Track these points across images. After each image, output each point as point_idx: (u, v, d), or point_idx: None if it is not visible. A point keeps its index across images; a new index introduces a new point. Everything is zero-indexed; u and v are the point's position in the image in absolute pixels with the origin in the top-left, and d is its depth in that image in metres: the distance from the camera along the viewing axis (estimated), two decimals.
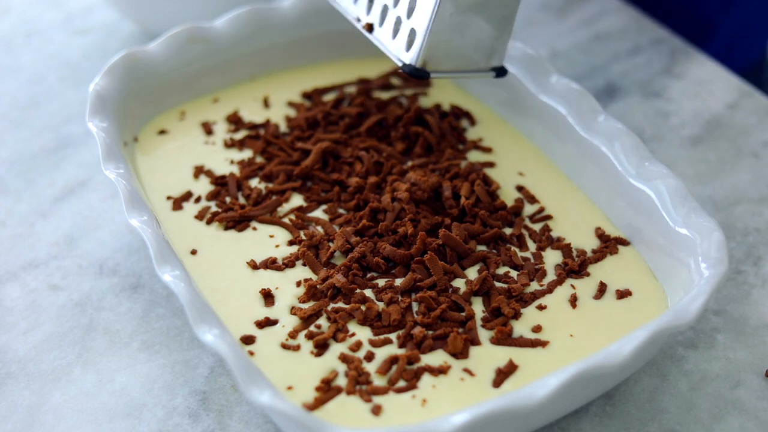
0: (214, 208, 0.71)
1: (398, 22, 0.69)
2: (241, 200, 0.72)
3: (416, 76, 0.68)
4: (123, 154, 0.71)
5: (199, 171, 0.74)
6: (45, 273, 0.73)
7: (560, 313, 0.64)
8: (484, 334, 0.62)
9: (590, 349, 0.61)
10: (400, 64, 0.68)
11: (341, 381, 0.59)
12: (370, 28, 0.71)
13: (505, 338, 0.62)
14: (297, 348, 0.61)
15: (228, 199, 0.72)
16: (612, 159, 0.69)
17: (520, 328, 0.62)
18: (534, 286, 0.65)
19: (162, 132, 0.78)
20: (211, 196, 0.72)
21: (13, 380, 0.65)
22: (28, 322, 0.69)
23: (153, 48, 0.78)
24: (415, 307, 0.63)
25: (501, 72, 0.71)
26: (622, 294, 0.65)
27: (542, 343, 0.61)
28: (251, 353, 0.61)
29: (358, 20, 0.72)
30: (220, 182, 0.73)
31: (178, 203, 0.72)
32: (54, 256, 0.74)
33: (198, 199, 0.72)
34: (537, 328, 0.62)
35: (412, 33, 0.68)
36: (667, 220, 0.65)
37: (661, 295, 0.64)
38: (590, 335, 0.62)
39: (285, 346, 0.61)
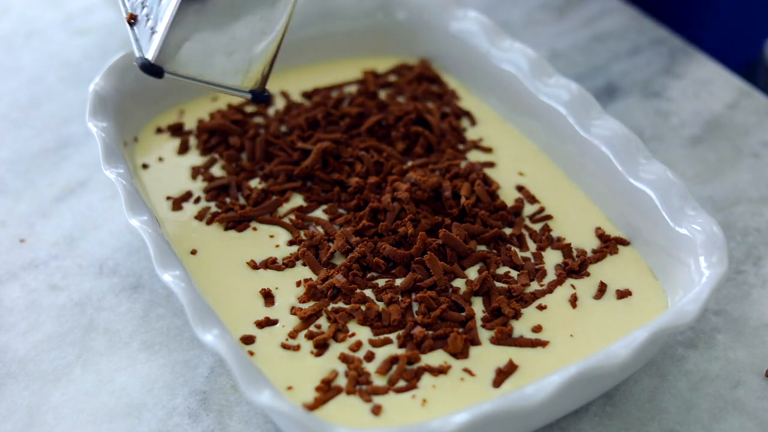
0: (214, 209, 0.71)
1: (153, 22, 0.65)
2: (241, 200, 0.72)
3: (149, 72, 0.64)
4: (123, 154, 0.71)
5: (197, 171, 0.74)
6: (45, 273, 0.73)
7: (560, 313, 0.64)
8: (484, 334, 0.62)
9: (590, 349, 0.61)
10: (137, 60, 0.64)
11: (341, 381, 0.59)
12: (132, 19, 0.67)
13: (505, 338, 0.62)
14: (297, 348, 0.61)
15: (228, 200, 0.72)
16: (612, 159, 0.69)
17: (520, 328, 0.62)
18: (534, 286, 0.65)
19: (161, 132, 0.78)
20: (211, 197, 0.72)
21: (13, 380, 0.65)
22: (28, 322, 0.69)
23: None
24: (415, 307, 0.63)
25: (261, 97, 0.67)
26: (622, 294, 0.65)
27: (542, 343, 0.61)
28: (251, 353, 0.61)
29: (125, 10, 0.68)
30: (220, 184, 0.73)
31: (177, 203, 0.72)
32: (54, 256, 0.74)
33: (198, 200, 0.72)
34: (537, 328, 0.62)
35: (155, 25, 0.64)
36: (667, 220, 0.65)
37: (661, 295, 0.64)
38: (590, 335, 0.62)
39: (285, 346, 0.61)
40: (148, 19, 0.65)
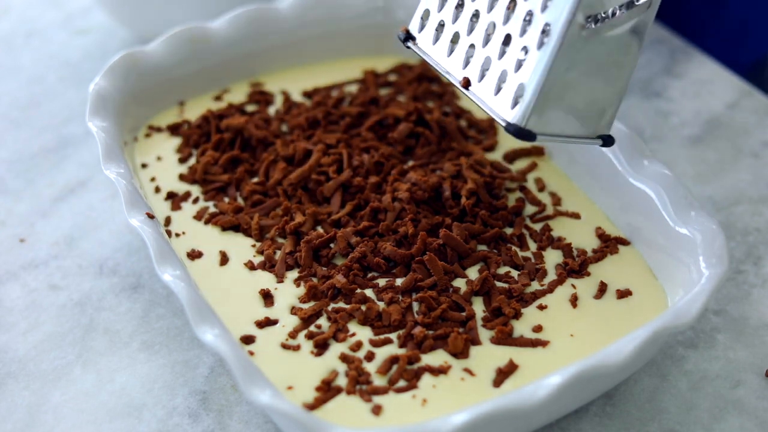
0: (212, 209, 0.71)
1: (503, 77, 0.61)
2: (240, 201, 0.72)
3: (521, 137, 0.59)
4: (123, 154, 0.71)
5: (195, 170, 0.74)
6: (45, 273, 0.73)
7: (561, 312, 0.64)
8: (484, 334, 0.62)
9: (590, 349, 0.61)
10: (503, 124, 0.60)
11: (341, 381, 0.59)
12: (467, 83, 0.62)
13: (505, 338, 0.62)
14: (297, 348, 0.61)
15: (226, 200, 0.72)
16: (612, 159, 0.69)
17: (521, 327, 0.62)
18: (534, 285, 0.65)
19: (161, 131, 0.78)
20: (210, 197, 0.72)
21: (13, 380, 0.65)
22: (28, 322, 0.69)
23: (153, 48, 0.78)
24: (415, 307, 0.63)
25: (608, 141, 0.64)
26: (623, 294, 0.65)
27: (542, 343, 0.61)
28: (251, 353, 0.61)
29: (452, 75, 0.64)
30: (219, 184, 0.73)
31: (177, 203, 0.72)
32: (54, 256, 0.74)
33: (196, 200, 0.72)
34: (537, 328, 0.62)
35: (520, 89, 0.59)
36: (667, 219, 0.65)
37: (661, 294, 0.64)
38: (590, 335, 0.62)
39: (285, 346, 0.61)
40: (500, 75, 0.61)
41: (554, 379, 0.54)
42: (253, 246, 0.68)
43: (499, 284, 0.65)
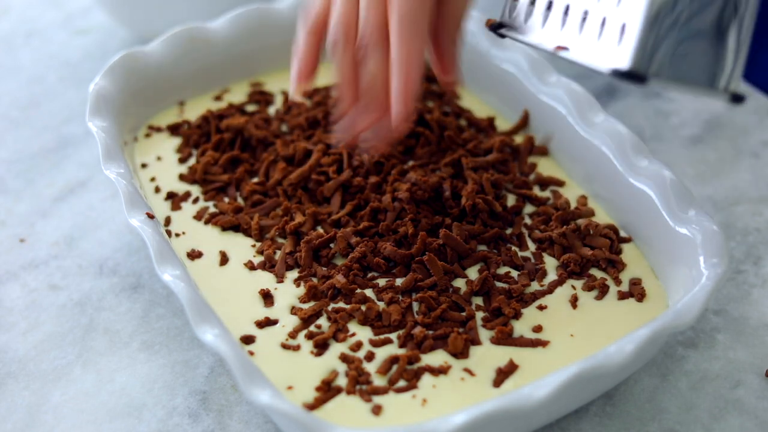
0: (212, 209, 0.71)
1: (603, 22, 0.56)
2: (240, 201, 0.72)
3: (632, 79, 0.54)
4: (123, 153, 0.71)
5: (195, 170, 0.74)
6: (45, 273, 0.73)
7: (561, 313, 0.63)
8: (484, 334, 0.62)
9: (590, 349, 0.61)
10: (607, 72, 0.55)
11: (341, 381, 0.59)
12: (561, 48, 0.58)
13: (505, 338, 0.62)
14: (297, 348, 0.61)
15: (226, 200, 0.72)
16: (612, 159, 0.69)
17: (521, 328, 0.62)
18: (534, 286, 0.65)
19: (161, 131, 0.78)
20: (210, 197, 0.72)
21: (13, 380, 0.65)
22: (28, 322, 0.69)
23: (153, 48, 0.78)
24: (415, 307, 0.63)
25: (738, 98, 0.56)
26: (623, 294, 0.65)
27: (542, 343, 0.61)
28: (251, 353, 0.61)
29: (551, 45, 0.59)
30: (219, 184, 0.73)
31: (177, 203, 0.72)
32: (54, 256, 0.74)
33: (196, 200, 0.72)
34: (537, 328, 0.62)
35: (624, 27, 0.54)
36: (667, 219, 0.65)
37: (662, 294, 0.64)
38: (590, 335, 0.62)
39: (285, 346, 0.61)
40: (597, 23, 0.56)
41: (554, 379, 0.54)
42: (253, 246, 0.68)
43: (499, 284, 0.65)
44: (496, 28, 0.63)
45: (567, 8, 0.58)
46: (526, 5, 0.61)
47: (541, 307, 0.64)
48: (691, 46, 0.54)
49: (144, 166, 0.75)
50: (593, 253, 0.66)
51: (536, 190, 0.72)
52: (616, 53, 0.54)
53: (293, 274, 0.66)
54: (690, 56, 0.55)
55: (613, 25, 0.55)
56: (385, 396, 0.58)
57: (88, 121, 0.71)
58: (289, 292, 0.65)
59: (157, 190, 0.73)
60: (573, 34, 0.58)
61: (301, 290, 0.65)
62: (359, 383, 0.59)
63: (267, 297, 0.65)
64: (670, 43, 0.54)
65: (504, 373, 0.60)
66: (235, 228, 0.70)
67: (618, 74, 0.54)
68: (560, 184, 0.73)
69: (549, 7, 0.60)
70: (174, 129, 0.78)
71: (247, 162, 0.75)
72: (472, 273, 0.66)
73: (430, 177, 0.71)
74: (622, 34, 0.54)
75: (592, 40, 0.56)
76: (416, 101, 0.63)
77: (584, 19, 0.57)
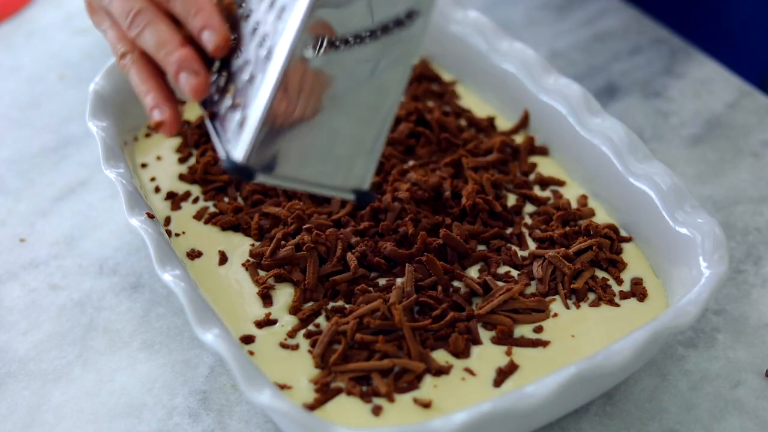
0: (212, 209, 0.71)
1: (233, 107, 0.57)
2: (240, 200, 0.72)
3: (238, 175, 0.54)
4: (123, 153, 0.71)
5: (195, 170, 0.74)
6: (45, 273, 0.73)
7: (561, 312, 0.63)
8: (484, 334, 0.62)
9: (590, 349, 0.61)
10: (221, 159, 0.55)
11: (341, 381, 0.59)
12: (212, 115, 0.58)
13: (505, 338, 0.62)
14: (296, 347, 0.61)
15: (226, 199, 0.72)
16: (612, 158, 0.69)
17: (521, 328, 0.62)
18: (535, 285, 0.65)
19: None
20: (210, 197, 0.72)
21: (13, 380, 0.65)
22: (28, 322, 0.69)
23: None
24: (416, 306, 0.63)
25: (365, 197, 0.57)
26: (623, 294, 0.65)
27: (543, 343, 0.61)
28: (251, 353, 0.61)
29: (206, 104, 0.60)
30: (219, 184, 0.73)
31: (176, 203, 0.72)
32: (54, 256, 0.74)
33: (196, 199, 0.72)
34: (538, 328, 0.62)
35: (244, 121, 0.55)
36: (667, 219, 0.65)
37: (662, 294, 0.64)
38: (590, 335, 0.62)
39: (284, 346, 0.61)
40: (233, 106, 0.56)
41: (554, 379, 0.54)
42: (253, 246, 0.68)
43: (499, 284, 0.65)
44: (236, 170, 0.57)
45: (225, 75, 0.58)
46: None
47: None
48: (315, 150, 0.55)
49: (144, 165, 0.75)
50: (594, 253, 0.66)
51: (536, 190, 0.72)
52: (234, 145, 0.55)
53: (293, 274, 0.66)
54: (313, 158, 0.55)
55: (236, 118, 0.56)
56: (386, 396, 0.58)
57: (88, 121, 0.71)
58: (288, 292, 0.65)
59: (157, 190, 0.73)
60: (220, 107, 0.58)
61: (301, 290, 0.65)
62: (359, 383, 0.59)
63: (266, 297, 0.65)
64: (290, 145, 0.54)
65: (504, 373, 0.60)
66: (235, 228, 0.70)
67: (230, 168, 0.54)
68: (560, 183, 0.73)
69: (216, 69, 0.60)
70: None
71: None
72: (472, 273, 0.66)
73: (430, 177, 0.71)
74: (240, 126, 0.55)
75: (224, 122, 0.57)
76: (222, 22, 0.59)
77: (223, 95, 0.58)
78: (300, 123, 0.54)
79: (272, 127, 0.54)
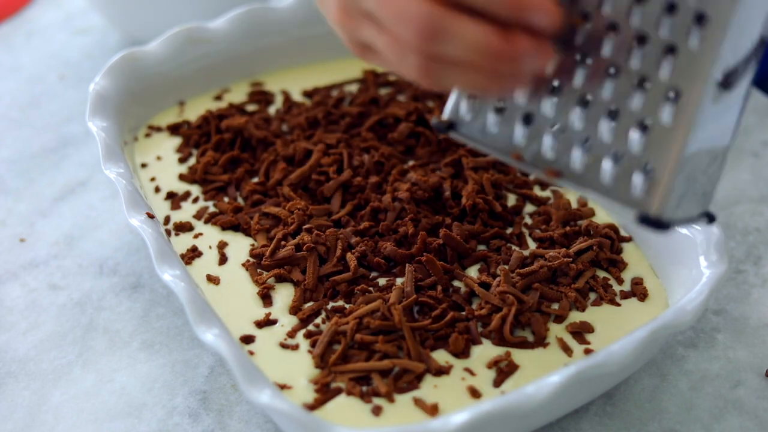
0: (212, 209, 0.71)
1: (620, 160, 0.51)
2: (240, 200, 0.72)
3: (659, 228, 0.50)
4: (123, 153, 0.71)
5: (195, 170, 0.74)
6: (45, 273, 0.73)
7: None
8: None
9: (590, 349, 0.61)
10: (636, 216, 0.51)
11: (341, 381, 0.59)
12: (557, 173, 0.53)
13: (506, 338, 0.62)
14: (296, 347, 0.61)
15: (226, 199, 0.72)
16: None
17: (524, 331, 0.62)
18: None
19: (161, 131, 0.78)
20: (210, 197, 0.72)
21: (13, 380, 0.65)
22: (28, 322, 0.69)
23: (153, 48, 0.78)
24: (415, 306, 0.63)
25: (711, 218, 0.54)
26: (624, 293, 0.65)
27: (543, 344, 0.61)
28: (251, 353, 0.61)
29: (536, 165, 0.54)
30: (219, 184, 0.73)
31: (177, 203, 0.72)
32: (54, 256, 0.74)
33: (196, 199, 0.72)
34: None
35: (651, 172, 0.50)
36: None
37: (662, 294, 0.64)
38: (590, 335, 0.62)
39: (284, 346, 0.61)
40: (617, 157, 0.51)
41: (554, 379, 0.54)
42: (253, 246, 0.68)
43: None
44: (446, 128, 0.55)
45: (553, 126, 0.53)
46: (492, 113, 0.54)
47: None
48: (696, 186, 0.52)
49: (144, 165, 0.75)
50: (594, 253, 0.66)
51: (536, 190, 0.72)
52: (642, 198, 0.50)
53: (293, 274, 0.66)
54: (694, 194, 0.52)
55: (634, 169, 0.50)
56: (386, 396, 0.58)
57: (88, 121, 0.71)
58: (287, 292, 0.65)
59: (157, 190, 0.73)
60: (566, 159, 0.52)
61: (301, 290, 0.65)
62: (359, 383, 0.59)
63: (266, 297, 0.65)
64: (688, 188, 0.51)
65: (504, 373, 0.60)
66: (235, 228, 0.70)
67: (647, 222, 0.50)
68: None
69: (527, 120, 0.53)
70: (174, 129, 0.78)
71: (247, 162, 0.75)
72: (472, 273, 0.66)
73: (430, 177, 0.71)
74: (647, 179, 0.50)
75: (604, 176, 0.51)
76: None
77: (584, 143, 0.52)
78: (695, 163, 0.50)
79: (683, 173, 0.50)
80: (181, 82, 0.80)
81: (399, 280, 0.65)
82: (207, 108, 0.79)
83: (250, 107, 0.80)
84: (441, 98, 0.81)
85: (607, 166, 0.51)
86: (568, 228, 0.68)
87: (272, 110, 0.80)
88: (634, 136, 0.50)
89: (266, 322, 0.63)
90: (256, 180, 0.73)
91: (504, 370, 0.60)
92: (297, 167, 0.73)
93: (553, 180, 0.53)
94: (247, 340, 0.62)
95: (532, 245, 0.68)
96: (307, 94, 0.82)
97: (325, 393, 0.58)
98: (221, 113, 0.78)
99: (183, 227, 0.69)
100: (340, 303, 0.64)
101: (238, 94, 0.81)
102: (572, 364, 0.55)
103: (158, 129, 0.78)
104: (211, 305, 0.61)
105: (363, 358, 0.60)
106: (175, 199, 0.72)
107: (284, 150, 0.74)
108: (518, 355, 0.61)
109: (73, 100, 0.89)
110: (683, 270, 0.63)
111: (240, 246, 0.68)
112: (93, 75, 0.76)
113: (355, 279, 0.65)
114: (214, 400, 0.63)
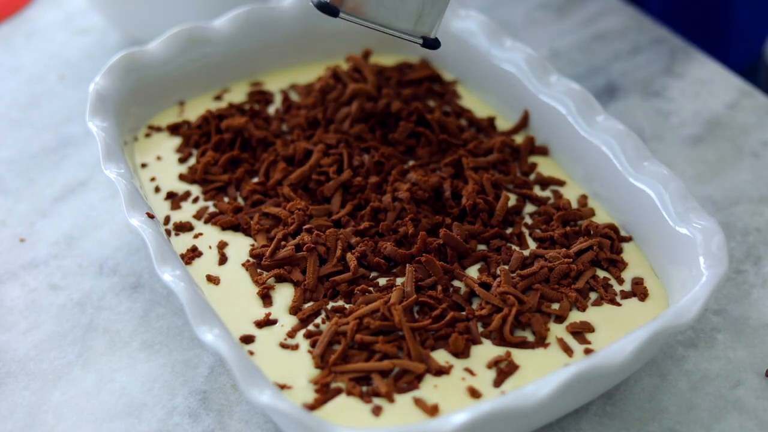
0: (212, 209, 0.71)
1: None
2: (240, 200, 0.72)
3: (324, 10, 0.63)
4: (123, 153, 0.71)
5: (195, 170, 0.74)
6: (45, 273, 0.73)
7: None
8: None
9: (590, 349, 0.61)
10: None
11: (341, 381, 0.59)
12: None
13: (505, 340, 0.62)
14: (296, 347, 0.61)
15: (226, 199, 0.72)
16: (612, 159, 0.69)
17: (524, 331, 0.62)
18: None
19: (161, 131, 0.78)
20: (210, 197, 0.72)
21: (13, 380, 0.65)
22: (28, 322, 0.69)
23: (153, 48, 0.78)
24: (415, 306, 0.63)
25: (431, 44, 0.66)
26: (624, 294, 0.65)
27: (543, 344, 0.61)
28: (251, 353, 0.61)
29: None
30: (219, 184, 0.73)
31: (177, 203, 0.72)
32: (54, 256, 0.74)
33: (196, 199, 0.72)
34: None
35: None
36: (667, 219, 0.65)
37: (662, 294, 0.64)
38: (591, 335, 0.62)
39: (284, 346, 0.61)
40: None
41: (554, 379, 0.54)
42: (253, 246, 0.68)
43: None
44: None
45: None
46: None
47: None
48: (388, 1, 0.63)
49: (144, 165, 0.75)
50: (594, 253, 0.66)
51: (537, 190, 0.72)
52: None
53: (293, 274, 0.66)
54: (386, 7, 0.64)
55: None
56: (386, 396, 0.58)
57: (88, 121, 0.71)
58: (288, 292, 0.65)
59: (157, 190, 0.73)
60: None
61: (301, 290, 0.65)
62: (359, 383, 0.59)
63: (266, 297, 0.65)
64: None
65: (504, 373, 0.60)
66: (235, 228, 0.70)
67: (318, 4, 0.63)
68: (561, 183, 0.73)
69: None
70: (174, 129, 0.78)
71: (247, 162, 0.75)
72: (472, 273, 0.66)
73: (430, 177, 0.71)
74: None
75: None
76: None
77: None
78: None
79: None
80: (181, 82, 0.80)
81: (399, 280, 0.65)
82: (207, 108, 0.79)
83: (250, 107, 0.80)
84: (442, 98, 0.81)
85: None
86: (568, 228, 0.68)
87: (272, 110, 0.80)
88: None
89: (266, 322, 0.63)
90: (256, 180, 0.73)
91: (504, 370, 0.60)
92: (297, 167, 0.73)
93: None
94: (247, 340, 0.62)
95: (533, 245, 0.68)
96: (307, 91, 0.81)
97: (325, 393, 0.58)
98: (221, 113, 0.78)
99: (183, 227, 0.69)
100: (340, 303, 0.64)
101: (238, 94, 0.81)
102: (572, 364, 0.55)
103: (158, 129, 0.78)
104: (211, 305, 0.61)
105: (363, 358, 0.60)
106: (175, 199, 0.72)
107: (284, 150, 0.74)
108: (518, 356, 0.61)
109: (73, 100, 0.89)
110: (683, 270, 0.63)
111: (240, 246, 0.68)
112: (93, 75, 0.76)
113: (355, 279, 0.65)
114: (214, 400, 0.63)
